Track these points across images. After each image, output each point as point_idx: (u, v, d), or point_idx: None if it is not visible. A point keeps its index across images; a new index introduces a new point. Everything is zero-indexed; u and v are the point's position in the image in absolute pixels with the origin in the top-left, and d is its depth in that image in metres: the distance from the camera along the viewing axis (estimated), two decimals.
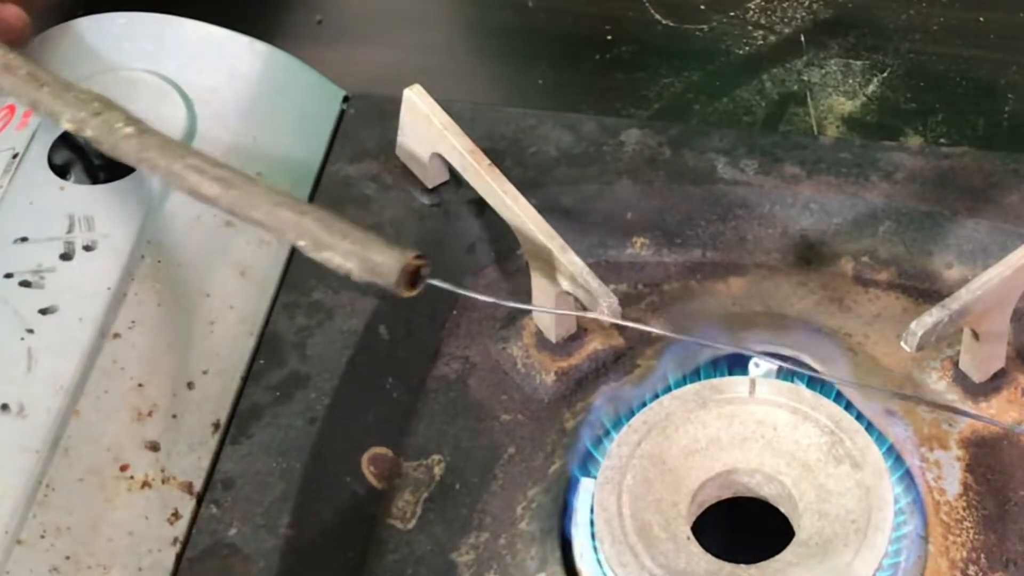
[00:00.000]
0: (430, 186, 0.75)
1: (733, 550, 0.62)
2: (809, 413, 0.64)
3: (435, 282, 0.63)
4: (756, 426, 0.65)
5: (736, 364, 0.68)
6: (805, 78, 0.86)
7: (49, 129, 0.75)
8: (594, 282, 0.66)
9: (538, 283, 0.70)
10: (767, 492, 0.64)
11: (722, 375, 0.67)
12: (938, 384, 0.68)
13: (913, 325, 0.64)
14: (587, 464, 0.66)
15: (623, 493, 0.63)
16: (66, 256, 0.71)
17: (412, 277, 0.62)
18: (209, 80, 0.78)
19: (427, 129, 0.72)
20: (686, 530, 0.62)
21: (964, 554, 0.64)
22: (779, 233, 0.74)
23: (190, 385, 0.69)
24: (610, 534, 0.62)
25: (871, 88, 0.85)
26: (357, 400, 0.70)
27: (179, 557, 0.65)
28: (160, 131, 0.68)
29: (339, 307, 0.72)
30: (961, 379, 0.68)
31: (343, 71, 0.83)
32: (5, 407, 0.66)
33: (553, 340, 0.71)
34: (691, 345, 0.69)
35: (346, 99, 0.80)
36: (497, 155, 0.73)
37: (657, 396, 0.66)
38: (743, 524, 0.65)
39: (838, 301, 0.73)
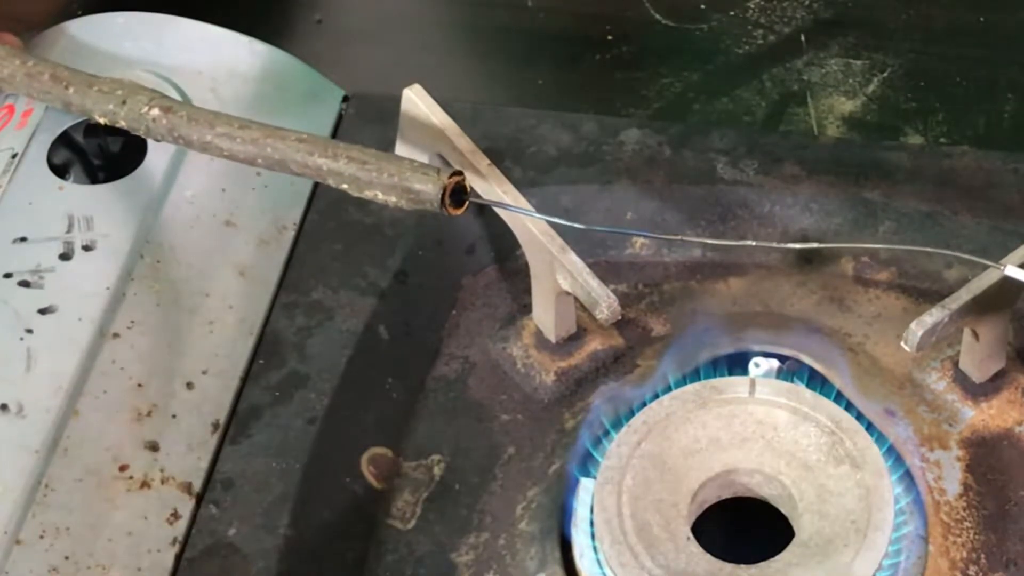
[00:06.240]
0: None
1: (733, 550, 0.62)
2: (809, 413, 0.64)
3: (479, 199, 0.65)
4: (756, 426, 0.65)
5: (736, 364, 0.68)
6: (805, 78, 0.86)
7: (48, 129, 0.75)
8: (594, 282, 0.66)
9: (538, 283, 0.70)
10: (767, 492, 0.64)
11: (722, 375, 0.67)
12: (938, 384, 0.68)
13: (913, 325, 0.64)
14: (587, 464, 0.66)
15: (623, 493, 0.63)
16: (65, 256, 0.71)
17: (455, 196, 0.63)
18: (209, 80, 0.78)
19: (427, 129, 0.72)
20: (686, 530, 0.62)
21: (964, 554, 0.64)
22: (779, 233, 0.74)
23: (189, 385, 0.69)
24: (610, 534, 0.62)
25: (871, 88, 0.85)
26: (357, 400, 0.70)
27: (178, 557, 0.65)
28: (184, 102, 0.68)
29: (339, 307, 0.72)
30: (961, 379, 0.68)
31: (343, 71, 0.83)
32: (4, 407, 0.66)
33: (553, 340, 0.71)
34: (691, 345, 0.69)
35: (346, 99, 0.80)
36: (497, 155, 0.73)
37: (657, 396, 0.66)
38: (743, 524, 0.65)
39: (838, 301, 0.73)
